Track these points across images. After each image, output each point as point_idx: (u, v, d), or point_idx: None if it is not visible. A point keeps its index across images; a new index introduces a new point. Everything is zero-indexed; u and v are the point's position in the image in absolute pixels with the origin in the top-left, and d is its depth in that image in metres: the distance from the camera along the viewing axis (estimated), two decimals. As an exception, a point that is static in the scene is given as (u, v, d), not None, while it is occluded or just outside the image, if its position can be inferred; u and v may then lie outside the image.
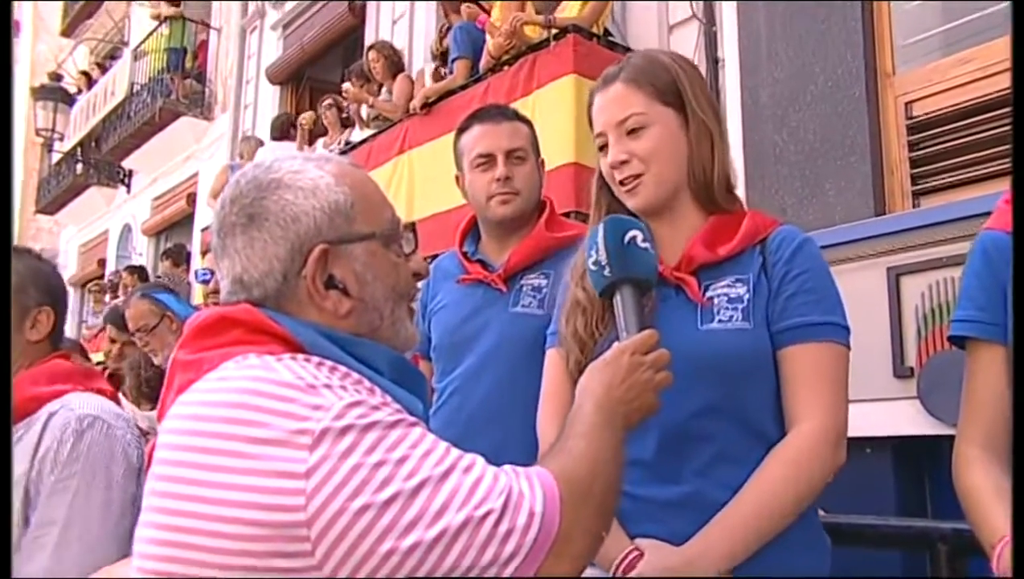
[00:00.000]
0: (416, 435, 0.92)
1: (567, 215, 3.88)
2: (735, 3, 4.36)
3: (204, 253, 7.66)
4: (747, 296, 1.49)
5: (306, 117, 6.97)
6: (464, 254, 2.20)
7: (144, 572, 0.92)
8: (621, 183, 1.54)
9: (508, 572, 0.90)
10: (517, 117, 2.24)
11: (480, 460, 0.95)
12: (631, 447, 1.46)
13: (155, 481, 0.94)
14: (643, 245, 1.32)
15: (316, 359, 0.96)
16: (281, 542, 0.84)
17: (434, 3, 6.27)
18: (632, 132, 1.52)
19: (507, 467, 0.97)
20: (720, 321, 1.49)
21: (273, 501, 0.84)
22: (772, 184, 3.98)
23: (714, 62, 4.46)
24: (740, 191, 4.33)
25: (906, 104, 3.64)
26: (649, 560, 1.37)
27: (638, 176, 1.52)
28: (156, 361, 3.39)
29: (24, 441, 1.60)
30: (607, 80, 1.56)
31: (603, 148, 1.56)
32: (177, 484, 0.90)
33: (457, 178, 2.25)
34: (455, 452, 0.93)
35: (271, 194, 1.05)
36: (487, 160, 2.14)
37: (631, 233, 1.32)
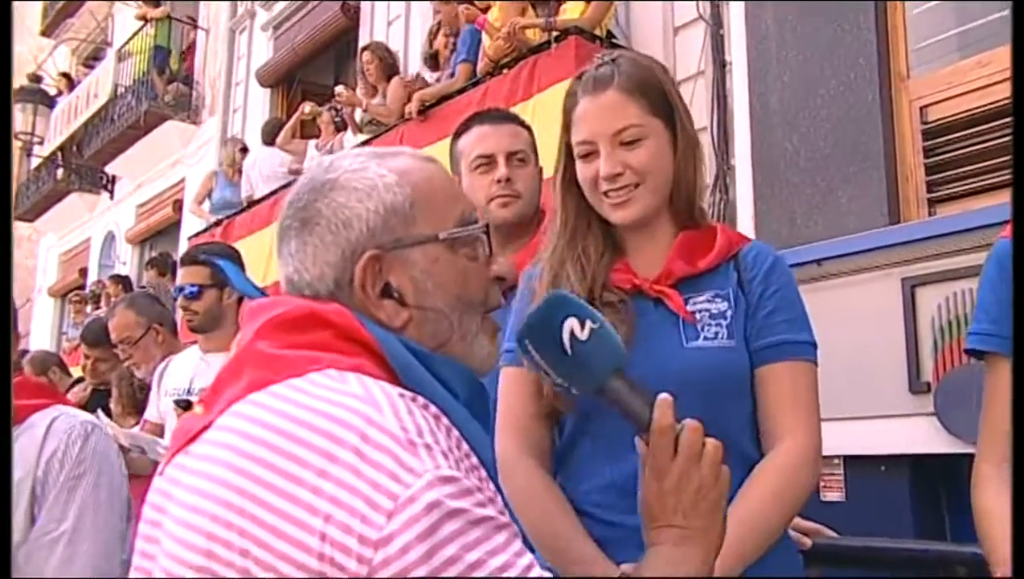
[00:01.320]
0: (498, 542, 0.82)
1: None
2: (743, 4, 4.38)
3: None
4: (729, 312, 1.53)
5: (311, 107, 6.97)
6: None
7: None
8: (607, 194, 1.53)
9: None
10: (518, 120, 2.25)
11: None
12: (608, 469, 1.50)
13: (204, 480, 0.88)
14: (585, 335, 1.09)
15: (410, 395, 0.89)
16: None
17: (431, 6, 6.28)
18: (627, 144, 1.52)
19: None
20: (706, 338, 1.51)
21: (335, 556, 0.78)
22: (782, 192, 4.00)
23: (721, 65, 4.49)
24: (749, 200, 4.34)
25: (921, 108, 3.66)
26: None
27: (630, 188, 1.52)
28: (139, 374, 3.38)
29: (21, 444, 1.66)
30: (598, 85, 1.54)
31: (587, 156, 1.54)
32: (234, 493, 0.84)
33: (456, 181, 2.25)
34: (534, 574, 0.83)
35: (324, 196, 1.02)
36: (488, 161, 2.14)
37: (565, 331, 1.09)
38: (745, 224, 4.14)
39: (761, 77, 4.24)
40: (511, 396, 1.61)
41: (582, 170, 1.56)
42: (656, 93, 1.54)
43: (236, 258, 3.07)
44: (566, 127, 1.59)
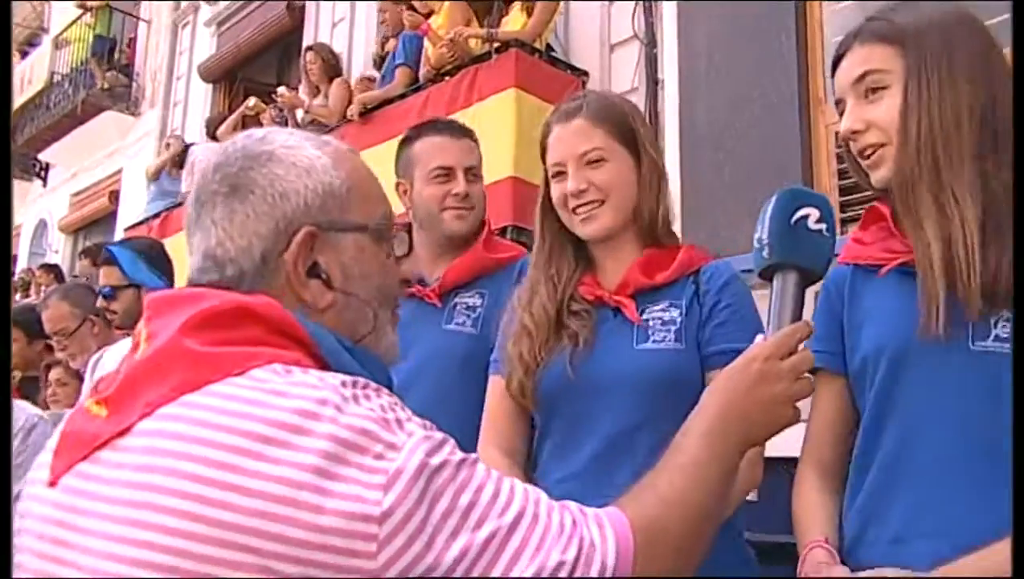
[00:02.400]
0: (481, 475, 0.87)
1: (504, 229, 3.99)
2: (676, 25, 4.46)
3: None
4: (680, 319, 1.66)
5: (256, 102, 6.91)
6: None
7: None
8: (575, 211, 1.68)
9: None
10: (472, 136, 2.28)
11: (545, 499, 0.91)
12: (572, 459, 1.64)
13: (151, 493, 0.81)
14: (815, 227, 1.17)
15: (359, 381, 0.89)
16: None
17: (375, 8, 6.30)
18: (592, 163, 1.67)
19: (575, 507, 0.92)
20: (654, 341, 1.65)
21: (343, 544, 0.79)
22: (708, 205, 4.07)
23: (654, 83, 4.54)
24: (676, 212, 4.43)
25: (836, 132, 3.80)
26: None
27: (595, 204, 1.67)
28: (74, 365, 3.31)
29: None
30: (568, 114, 1.71)
31: (558, 176, 1.70)
32: (200, 505, 0.79)
33: (398, 186, 2.23)
34: (519, 492, 0.88)
35: (261, 166, 0.98)
36: (446, 173, 2.17)
37: (802, 212, 1.17)
38: (672, 235, 4.24)
39: (691, 96, 4.32)
40: (494, 406, 1.76)
41: (554, 190, 1.71)
42: (620, 122, 1.70)
43: (150, 250, 2.93)
44: (543, 155, 1.75)
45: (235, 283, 0.96)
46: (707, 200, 4.11)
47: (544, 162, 1.76)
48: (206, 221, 0.99)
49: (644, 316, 1.68)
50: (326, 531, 0.78)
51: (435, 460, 0.83)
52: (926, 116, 1.29)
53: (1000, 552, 1.15)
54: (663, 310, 1.68)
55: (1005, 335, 1.24)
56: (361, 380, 0.89)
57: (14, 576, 0.93)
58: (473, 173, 2.21)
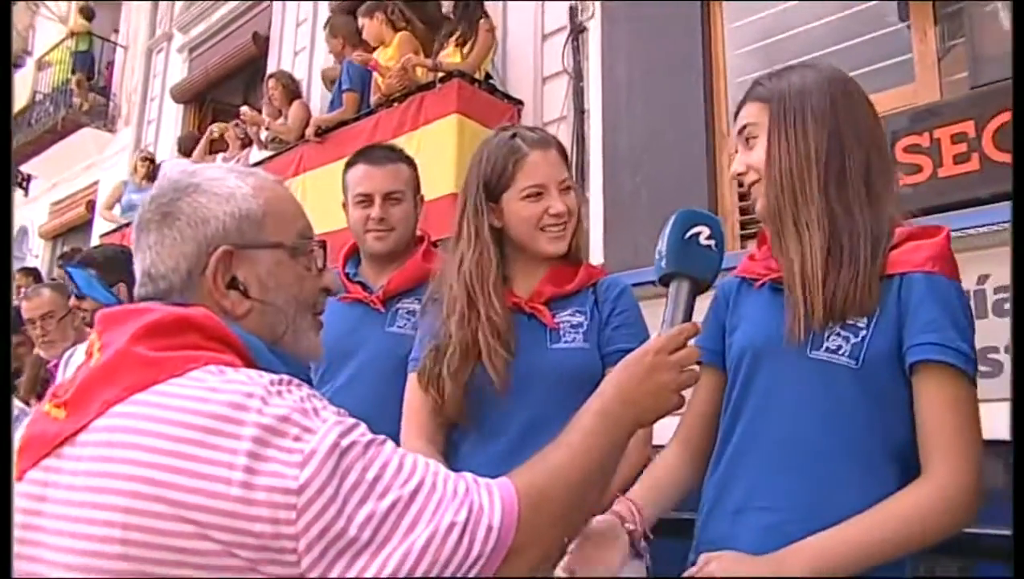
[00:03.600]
0: (387, 453, 0.92)
1: (446, 240, 3.99)
2: (599, 61, 4.54)
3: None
4: (585, 323, 1.76)
5: (218, 127, 6.82)
6: (346, 275, 2.25)
7: (91, 571, 0.85)
8: (546, 229, 1.76)
9: (472, 574, 0.90)
10: (401, 158, 2.28)
11: (443, 471, 0.95)
12: (491, 446, 1.69)
13: (101, 478, 0.86)
14: (705, 243, 1.22)
15: (282, 378, 0.94)
16: (269, 552, 0.84)
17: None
18: (565, 190, 1.77)
19: (470, 477, 0.96)
20: (566, 341, 1.74)
21: (268, 514, 0.84)
22: (628, 221, 4.13)
23: (580, 112, 4.58)
24: (599, 228, 4.48)
25: (738, 161, 3.89)
26: None
27: (564, 226, 1.77)
28: (47, 354, 3.22)
29: None
30: (545, 144, 1.80)
31: (535, 197, 1.75)
32: (150, 486, 0.84)
33: (344, 205, 2.28)
34: (420, 465, 0.93)
35: (186, 196, 1.04)
36: (366, 199, 2.19)
37: (695, 229, 1.23)
38: (596, 249, 4.27)
39: (613, 124, 4.40)
40: (415, 400, 1.79)
41: (527, 208, 1.75)
42: (566, 160, 1.84)
43: (107, 264, 2.80)
44: (509, 178, 1.76)
45: (166, 295, 1.03)
46: (627, 216, 4.17)
47: (491, 178, 1.77)
48: (143, 245, 1.06)
49: (556, 320, 1.76)
50: (254, 503, 0.83)
51: (345, 441, 0.88)
52: (785, 159, 1.38)
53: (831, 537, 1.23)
54: (571, 315, 1.77)
55: (834, 347, 1.32)
56: (285, 377, 0.94)
57: None
58: (395, 197, 2.21)
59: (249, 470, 0.84)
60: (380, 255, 2.23)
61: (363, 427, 0.93)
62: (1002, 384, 1.92)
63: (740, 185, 1.52)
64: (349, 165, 2.29)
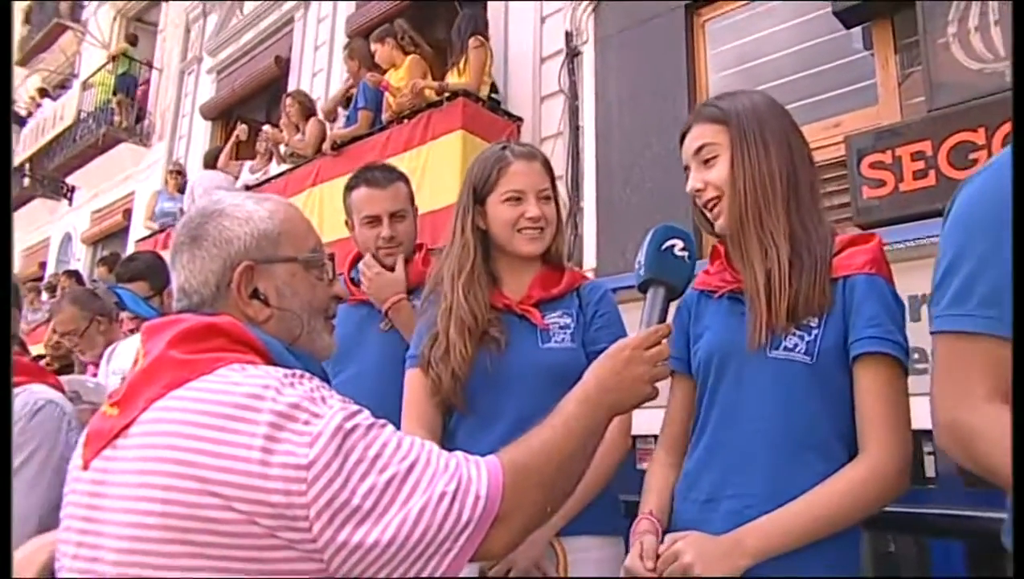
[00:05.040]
0: (387, 434, 0.96)
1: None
2: (593, 82, 4.52)
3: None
4: (572, 324, 1.73)
5: (242, 130, 6.76)
6: (350, 280, 2.23)
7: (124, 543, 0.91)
8: (522, 231, 1.72)
9: (461, 540, 0.94)
10: (399, 177, 2.24)
11: (436, 449, 0.99)
12: (485, 438, 1.61)
13: (147, 462, 0.92)
14: (679, 253, 1.25)
15: (295, 372, 0.99)
16: (284, 520, 0.88)
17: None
18: (544, 199, 1.74)
19: (460, 454, 1.00)
20: (555, 341, 1.71)
21: (283, 487, 0.88)
22: (619, 231, 4.12)
23: (575, 129, 4.57)
24: (593, 235, 4.42)
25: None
26: None
27: (542, 229, 1.73)
28: (84, 358, 3.23)
29: None
30: (530, 156, 1.77)
31: (515, 201, 1.72)
32: (183, 466, 0.90)
33: (346, 221, 2.25)
34: (416, 444, 0.97)
35: (212, 220, 1.10)
36: (374, 220, 2.16)
37: (670, 241, 1.26)
38: (589, 254, 4.27)
39: (605, 140, 4.38)
40: (414, 392, 1.75)
41: (506, 211, 1.73)
42: (551, 173, 1.79)
43: (152, 269, 2.91)
44: (493, 183, 1.74)
45: (199, 306, 1.09)
46: (618, 224, 4.15)
47: (479, 183, 1.76)
48: (178, 265, 1.12)
49: (545, 321, 1.73)
50: (271, 478, 0.89)
51: (349, 424, 0.93)
52: (750, 177, 1.38)
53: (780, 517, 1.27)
54: (559, 317, 1.74)
55: (791, 346, 1.34)
56: (298, 371, 1.00)
57: (63, 534, 1.02)
58: (399, 216, 2.18)
59: (266, 450, 0.89)
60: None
61: (366, 413, 0.97)
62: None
63: (693, 202, 1.50)
64: (351, 188, 2.22)
